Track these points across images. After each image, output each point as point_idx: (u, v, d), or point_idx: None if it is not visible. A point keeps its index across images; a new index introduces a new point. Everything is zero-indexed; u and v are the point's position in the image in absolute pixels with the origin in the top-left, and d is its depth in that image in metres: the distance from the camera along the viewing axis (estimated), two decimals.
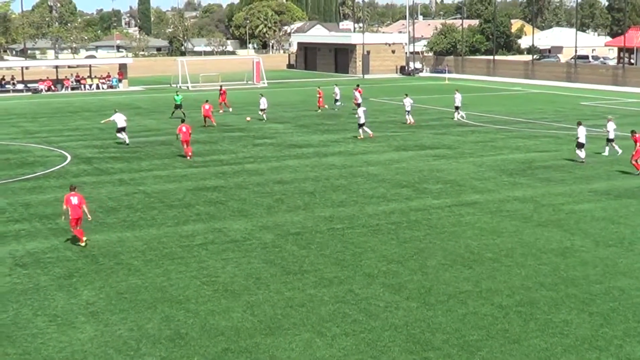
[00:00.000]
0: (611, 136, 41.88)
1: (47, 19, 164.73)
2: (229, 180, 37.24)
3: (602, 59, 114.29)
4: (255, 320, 19.44)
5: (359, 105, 57.60)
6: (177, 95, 63.56)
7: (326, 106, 66.56)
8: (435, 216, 29.77)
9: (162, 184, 36.39)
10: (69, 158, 43.92)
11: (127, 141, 48.42)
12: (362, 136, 49.53)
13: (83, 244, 26.16)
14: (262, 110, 60.10)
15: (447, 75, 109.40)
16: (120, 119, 48.61)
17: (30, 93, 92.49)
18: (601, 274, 22.76)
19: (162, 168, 40.50)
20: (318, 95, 67.30)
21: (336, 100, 67.67)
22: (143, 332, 18.83)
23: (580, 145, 40.33)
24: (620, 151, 41.40)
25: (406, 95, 58.72)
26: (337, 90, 68.60)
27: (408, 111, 56.83)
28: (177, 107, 61.90)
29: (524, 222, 28.79)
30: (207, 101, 57.47)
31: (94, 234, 27.66)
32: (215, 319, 19.57)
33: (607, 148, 42.07)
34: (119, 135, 48.73)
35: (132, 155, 44.47)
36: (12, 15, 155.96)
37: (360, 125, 49.83)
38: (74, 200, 25.98)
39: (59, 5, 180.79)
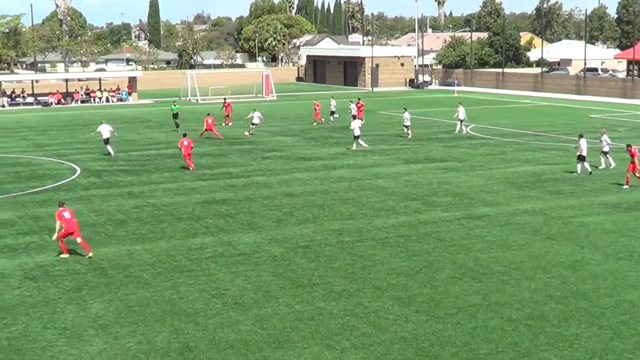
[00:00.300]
0: (605, 149, 41.97)
1: (57, 32, 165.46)
2: (238, 193, 37.27)
3: (611, 72, 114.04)
4: (265, 333, 19.43)
5: (354, 117, 57.59)
6: (175, 105, 65.39)
7: (323, 119, 67.04)
8: (444, 229, 29.74)
9: (171, 197, 36.45)
10: (79, 171, 44.03)
11: (111, 152, 49.78)
12: (366, 146, 49.86)
13: (91, 254, 26.40)
14: (254, 124, 59.64)
15: (456, 88, 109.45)
16: (105, 130, 50.03)
17: (40, 106, 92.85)
18: (611, 287, 22.70)
19: (171, 181, 40.57)
20: (315, 108, 67.93)
21: (332, 113, 68.13)
22: (152, 345, 18.84)
23: (581, 158, 40.39)
24: (602, 165, 41.67)
25: (405, 109, 58.79)
26: (333, 102, 69.10)
27: (407, 125, 56.78)
28: (175, 116, 63.83)
29: (534, 235, 28.73)
30: (209, 114, 58.16)
31: (104, 246, 27.74)
32: (225, 332, 19.57)
33: (610, 160, 41.96)
34: (108, 147, 49.85)
35: (141, 168, 44.56)
36: (22, 28, 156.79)
37: (356, 137, 50.16)
38: (67, 214, 26.32)
39: (69, 18, 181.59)
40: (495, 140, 55.15)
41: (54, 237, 26.55)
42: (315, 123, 66.79)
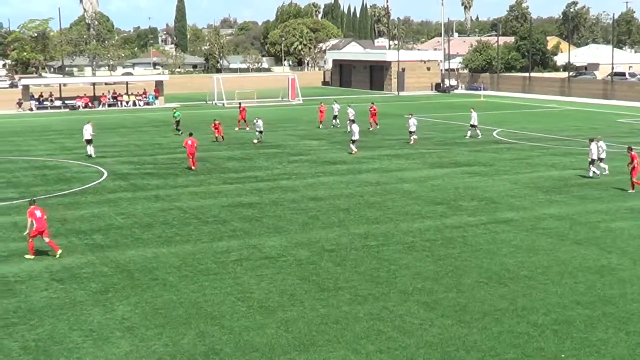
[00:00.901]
0: (602, 155, 41.68)
1: (84, 36, 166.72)
2: (264, 196, 37.34)
3: (639, 76, 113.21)
4: (290, 336, 19.45)
5: (352, 122, 57.24)
6: (175, 112, 66.59)
7: (321, 126, 67.28)
8: (470, 233, 29.64)
9: (197, 200, 36.58)
10: (106, 174, 44.27)
11: (91, 154, 50.88)
12: (355, 151, 50.45)
13: (59, 252, 26.97)
14: (260, 132, 59.22)
15: (482, 92, 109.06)
16: (86, 131, 51.29)
17: (67, 110, 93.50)
18: (638, 292, 22.52)
19: (197, 184, 40.72)
20: (320, 112, 68.42)
21: (335, 117, 68.09)
22: (178, 347, 18.91)
23: (593, 162, 40.28)
24: (607, 172, 41.21)
25: (411, 114, 58.38)
26: (336, 107, 69.03)
27: (412, 131, 56.15)
28: (176, 123, 65.04)
29: (560, 239, 28.58)
30: (215, 120, 60.10)
31: (130, 249, 27.90)
32: (250, 335, 19.61)
33: (595, 167, 41.66)
34: (89, 147, 51.17)
35: (168, 172, 44.75)
36: (50, 32, 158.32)
37: (354, 142, 50.44)
38: (38, 213, 26.79)
39: (96, 23, 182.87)
40: (522, 144, 54.92)
41: (26, 232, 27.15)
42: (321, 126, 67.04)
